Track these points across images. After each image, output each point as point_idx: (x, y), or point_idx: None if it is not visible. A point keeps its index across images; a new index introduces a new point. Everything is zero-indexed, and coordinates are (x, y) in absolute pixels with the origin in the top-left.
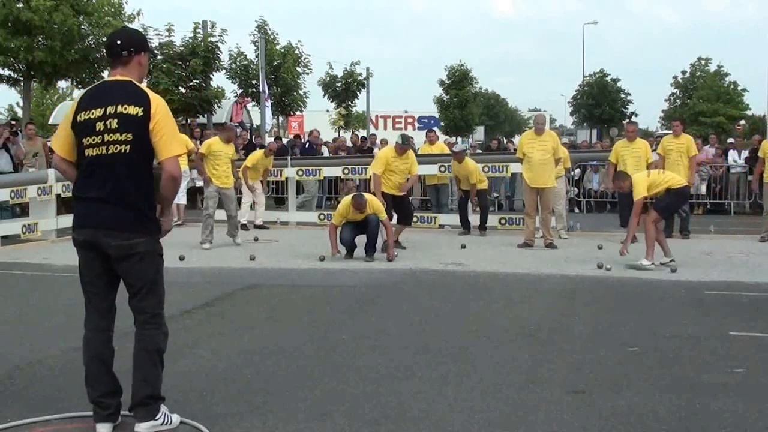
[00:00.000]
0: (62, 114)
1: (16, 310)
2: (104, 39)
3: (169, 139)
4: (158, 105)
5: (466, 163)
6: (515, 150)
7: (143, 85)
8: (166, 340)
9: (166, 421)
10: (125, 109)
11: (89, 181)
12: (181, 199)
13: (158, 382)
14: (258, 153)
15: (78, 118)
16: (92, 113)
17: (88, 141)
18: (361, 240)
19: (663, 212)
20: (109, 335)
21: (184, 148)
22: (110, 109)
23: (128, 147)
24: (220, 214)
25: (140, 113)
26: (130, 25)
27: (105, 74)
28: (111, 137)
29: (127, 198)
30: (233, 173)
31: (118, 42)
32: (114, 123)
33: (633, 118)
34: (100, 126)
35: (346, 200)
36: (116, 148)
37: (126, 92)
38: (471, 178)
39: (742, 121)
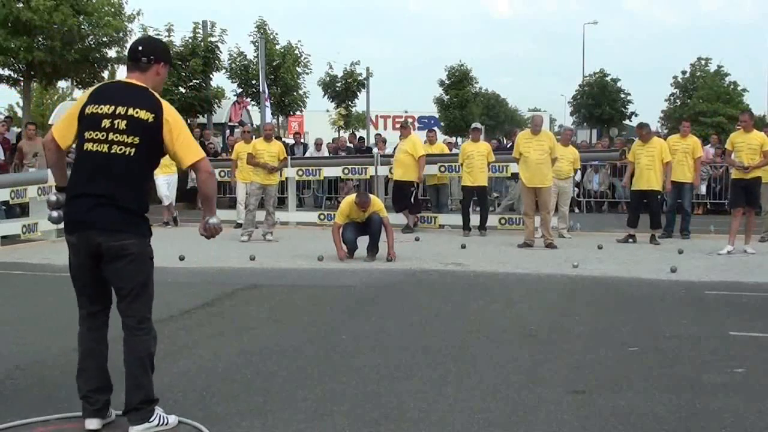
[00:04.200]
0: (62, 114)
1: (16, 310)
2: (104, 39)
3: (189, 144)
4: (170, 113)
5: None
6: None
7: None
8: (155, 343)
9: (161, 422)
10: (136, 112)
11: (83, 178)
12: (169, 198)
13: (151, 386)
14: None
15: (86, 110)
16: (101, 109)
17: (90, 135)
18: (362, 240)
19: (730, 206)
20: (104, 332)
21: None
22: (120, 110)
23: (133, 150)
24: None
25: (151, 119)
26: (129, 25)
27: (105, 74)
28: (116, 137)
29: (122, 199)
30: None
31: (140, 48)
32: (122, 124)
33: (633, 118)
34: (106, 123)
35: (350, 199)
36: (120, 149)
37: (139, 96)
38: (490, 157)
39: None
